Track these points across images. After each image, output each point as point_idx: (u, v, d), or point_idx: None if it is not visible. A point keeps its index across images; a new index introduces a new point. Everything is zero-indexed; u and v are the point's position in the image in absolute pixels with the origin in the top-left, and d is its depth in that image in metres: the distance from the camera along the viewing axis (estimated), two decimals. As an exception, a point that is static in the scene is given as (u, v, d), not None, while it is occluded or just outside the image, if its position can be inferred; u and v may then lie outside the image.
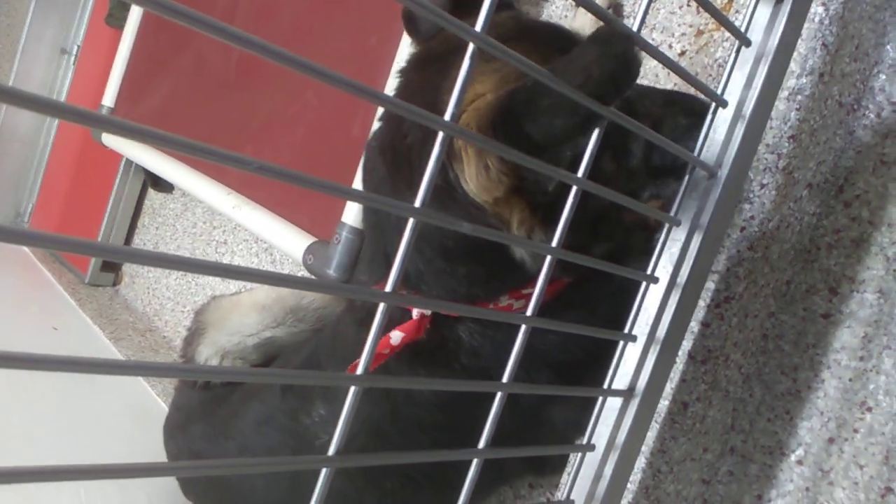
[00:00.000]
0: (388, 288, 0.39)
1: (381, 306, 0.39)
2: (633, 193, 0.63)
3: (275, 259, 1.53)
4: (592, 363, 0.70)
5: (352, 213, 1.04)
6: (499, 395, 0.48)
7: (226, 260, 1.65)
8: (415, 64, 0.68)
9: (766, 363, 0.80)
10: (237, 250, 1.64)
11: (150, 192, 2.01)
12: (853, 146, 0.78)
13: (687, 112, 0.66)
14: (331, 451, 0.39)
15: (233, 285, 1.57)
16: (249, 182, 1.31)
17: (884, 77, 0.77)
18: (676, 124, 0.64)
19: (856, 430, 0.74)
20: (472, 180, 0.57)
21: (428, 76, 0.63)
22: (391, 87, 0.70)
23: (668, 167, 0.65)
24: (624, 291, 0.69)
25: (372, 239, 0.74)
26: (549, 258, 0.47)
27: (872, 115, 0.77)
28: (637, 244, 0.72)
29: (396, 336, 0.65)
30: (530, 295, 0.66)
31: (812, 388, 0.77)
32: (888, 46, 0.77)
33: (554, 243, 0.47)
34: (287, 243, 1.16)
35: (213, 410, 0.92)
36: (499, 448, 0.47)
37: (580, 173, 0.46)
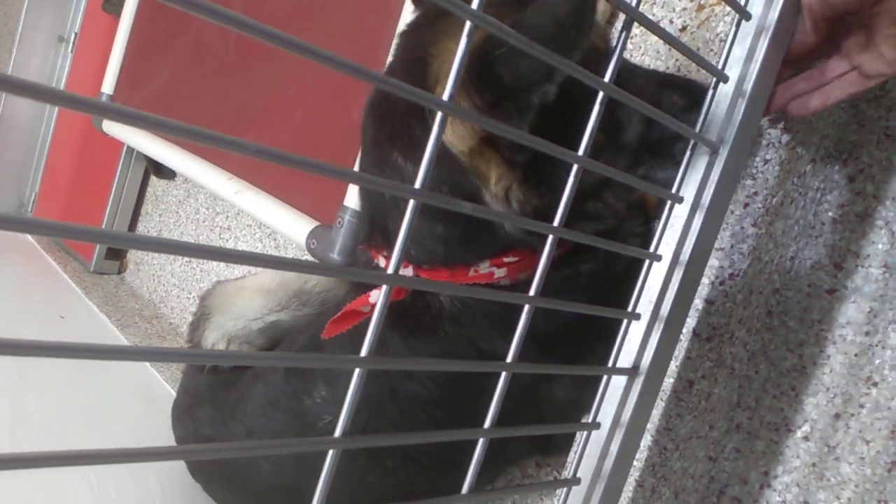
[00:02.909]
0: (390, 270, 0.39)
1: (384, 288, 0.39)
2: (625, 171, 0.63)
3: (279, 244, 1.54)
4: (575, 334, 0.70)
5: (354, 197, 1.04)
6: (503, 374, 0.48)
7: (229, 246, 1.65)
8: (412, 26, 0.70)
9: (772, 340, 0.80)
10: (241, 236, 1.64)
11: (153, 179, 2.00)
12: (857, 120, 0.77)
13: (683, 92, 0.66)
14: (337, 433, 0.39)
15: (237, 271, 1.57)
16: (252, 167, 1.30)
17: (888, 49, 0.76)
18: (671, 103, 0.64)
19: (861, 406, 0.74)
20: (448, 126, 0.57)
21: (419, 35, 0.66)
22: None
23: (663, 146, 0.65)
24: (610, 273, 0.69)
25: (367, 207, 0.73)
26: (550, 237, 0.47)
27: (877, 88, 0.76)
28: (633, 228, 0.72)
29: (376, 295, 0.65)
30: (513, 264, 0.65)
31: (817, 364, 0.77)
32: (892, 18, 0.76)
33: (556, 222, 0.47)
34: (290, 228, 1.15)
35: (220, 394, 0.93)
36: (505, 427, 0.48)
37: (580, 151, 0.46)
